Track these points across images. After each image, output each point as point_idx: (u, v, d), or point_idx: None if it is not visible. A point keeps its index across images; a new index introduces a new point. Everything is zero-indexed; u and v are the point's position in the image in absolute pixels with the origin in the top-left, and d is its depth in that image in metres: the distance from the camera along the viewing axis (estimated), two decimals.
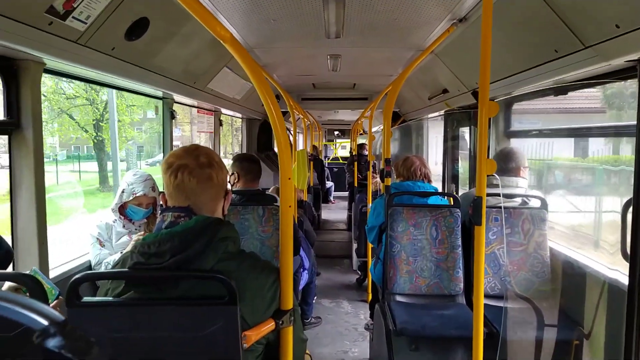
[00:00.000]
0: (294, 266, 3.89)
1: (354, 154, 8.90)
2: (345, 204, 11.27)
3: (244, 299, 1.34)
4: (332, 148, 15.87)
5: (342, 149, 16.51)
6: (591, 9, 1.80)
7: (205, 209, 1.43)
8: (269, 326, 1.41)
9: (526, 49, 2.43)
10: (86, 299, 1.32)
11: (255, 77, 1.46)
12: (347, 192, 10.72)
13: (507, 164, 2.99)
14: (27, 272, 1.58)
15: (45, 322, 0.48)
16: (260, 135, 7.00)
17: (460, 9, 2.55)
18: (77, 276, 1.31)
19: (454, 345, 2.77)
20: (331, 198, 12.40)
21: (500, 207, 2.81)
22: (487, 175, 1.91)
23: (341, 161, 14.46)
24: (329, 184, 12.46)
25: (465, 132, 4.62)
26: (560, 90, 2.58)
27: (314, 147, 10.55)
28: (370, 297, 4.72)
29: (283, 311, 1.46)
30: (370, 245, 4.79)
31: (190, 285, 1.33)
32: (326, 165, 12.86)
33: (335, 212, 10.77)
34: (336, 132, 16.09)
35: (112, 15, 2.08)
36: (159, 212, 2.74)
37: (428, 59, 3.65)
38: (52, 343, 0.47)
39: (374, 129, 10.10)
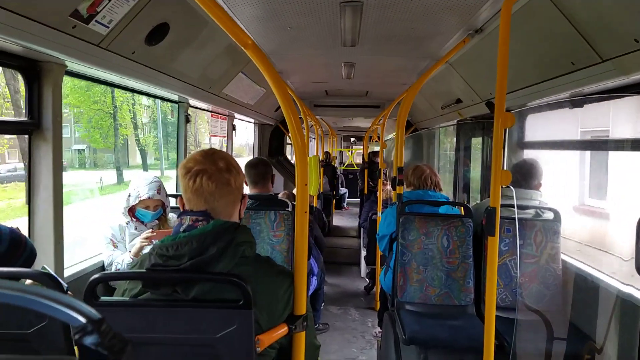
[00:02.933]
0: None
1: (366, 161, 8.91)
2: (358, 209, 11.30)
3: (259, 303, 1.35)
4: (347, 154, 15.84)
5: (357, 155, 16.49)
6: (610, 23, 1.80)
7: (223, 213, 1.44)
8: (282, 331, 1.42)
9: (543, 61, 2.43)
10: (103, 298, 1.35)
11: (274, 84, 1.48)
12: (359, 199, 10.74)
13: (524, 177, 2.98)
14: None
15: (83, 320, 0.49)
16: (271, 140, 7.04)
17: (476, 20, 2.56)
18: (95, 276, 1.33)
19: (464, 356, 2.76)
20: (344, 204, 12.40)
21: (513, 218, 2.80)
22: (502, 187, 1.91)
23: (356, 168, 14.48)
24: (343, 190, 12.47)
25: (478, 142, 4.61)
26: (576, 102, 2.57)
27: (327, 154, 10.56)
28: (378, 305, 4.71)
29: (296, 316, 1.47)
30: (379, 253, 4.79)
31: (207, 288, 1.34)
32: (340, 172, 12.88)
33: (348, 218, 10.75)
34: (352, 139, 16.06)
35: (133, 20, 2.12)
36: (169, 213, 2.77)
37: (442, 68, 3.66)
38: (90, 340, 0.49)
39: (386, 137, 10.12)
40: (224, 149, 5.30)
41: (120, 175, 18.92)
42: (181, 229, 1.39)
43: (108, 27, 2.05)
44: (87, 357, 0.48)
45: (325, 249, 4.98)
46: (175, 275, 1.32)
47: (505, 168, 3.45)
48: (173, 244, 1.34)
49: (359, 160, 15.88)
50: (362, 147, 15.53)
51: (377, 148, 11.63)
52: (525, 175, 2.97)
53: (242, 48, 1.44)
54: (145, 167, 21.30)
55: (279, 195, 3.96)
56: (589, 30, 1.93)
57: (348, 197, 12.79)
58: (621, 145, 2.52)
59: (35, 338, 1.29)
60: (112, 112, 19.15)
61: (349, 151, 15.86)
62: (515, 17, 2.02)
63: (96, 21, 1.97)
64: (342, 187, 12.37)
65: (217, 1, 2.32)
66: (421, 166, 3.34)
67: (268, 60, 1.51)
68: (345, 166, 14.62)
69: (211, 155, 1.47)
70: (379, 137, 8.73)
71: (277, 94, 1.48)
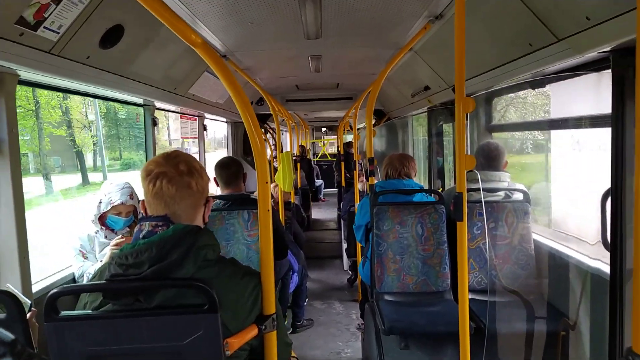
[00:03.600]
0: (283, 270, 3.92)
1: (341, 152, 8.89)
2: (335, 200, 11.28)
3: (225, 306, 1.33)
4: (320, 145, 15.76)
5: (330, 145, 16.45)
6: (561, 2, 1.81)
7: (184, 217, 1.42)
8: (252, 332, 1.40)
9: (501, 44, 2.45)
10: (64, 313, 1.31)
11: (227, 81, 1.45)
12: (337, 190, 10.71)
13: (489, 158, 3.01)
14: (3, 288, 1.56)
15: None
16: (245, 138, 6.97)
17: (435, 6, 2.56)
18: (53, 290, 1.29)
19: (444, 342, 2.79)
20: (321, 196, 12.36)
21: (482, 202, 2.83)
22: (468, 171, 1.92)
23: (329, 158, 14.47)
24: (319, 182, 12.44)
25: (449, 128, 4.64)
26: (537, 83, 2.60)
27: (302, 147, 10.50)
28: (360, 297, 4.73)
29: (265, 316, 1.45)
30: (359, 245, 4.80)
31: (171, 294, 1.31)
32: (315, 163, 12.84)
33: (326, 210, 10.72)
34: (324, 129, 15.97)
35: (85, 24, 2.05)
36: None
37: (408, 56, 3.67)
38: None
39: (359, 126, 10.11)
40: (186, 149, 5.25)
41: (49, 184, 16.29)
42: (140, 235, 1.36)
43: (58, 33, 1.98)
44: None
45: (305, 244, 4.98)
46: (136, 285, 1.29)
47: (472, 153, 3.50)
48: (132, 251, 1.31)
49: (331, 150, 15.90)
50: (334, 137, 15.57)
51: (350, 137, 11.66)
52: (491, 157, 3.00)
53: (192, 47, 1.40)
54: (83, 170, 18.61)
55: (255, 194, 3.93)
56: (542, 10, 1.94)
57: (324, 189, 12.76)
58: (583, 122, 2.56)
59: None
60: (34, 109, 16.13)
61: (321, 142, 15.79)
62: (471, 1, 2.02)
63: (45, 27, 1.90)
64: (317, 179, 12.34)
65: (167, 1, 2.29)
66: (391, 155, 3.35)
67: (220, 58, 1.48)
68: (319, 157, 14.56)
69: (173, 158, 1.44)
70: (351, 127, 8.76)
71: (230, 90, 1.46)
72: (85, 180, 18.02)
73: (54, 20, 1.92)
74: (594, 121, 2.31)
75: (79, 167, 18.87)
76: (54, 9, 1.87)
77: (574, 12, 1.76)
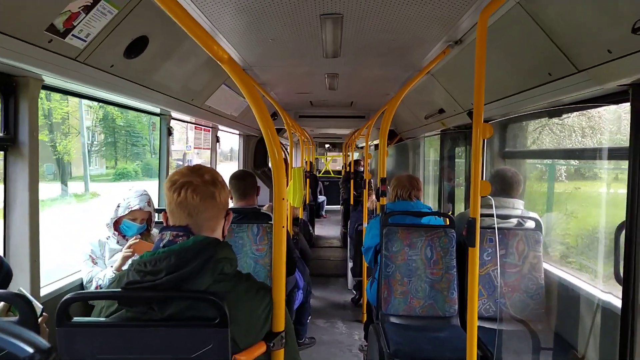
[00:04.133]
0: (289, 286, 3.90)
1: (349, 170, 8.87)
2: (338, 218, 11.21)
3: (237, 321, 1.33)
4: (323, 161, 15.73)
5: (333, 162, 16.44)
6: (584, 34, 1.83)
7: (205, 227, 1.43)
8: (260, 349, 1.39)
9: (521, 72, 2.46)
10: (76, 319, 1.31)
11: (250, 96, 1.47)
12: (340, 207, 10.63)
13: (505, 185, 3.00)
14: (15, 291, 1.56)
15: (30, 350, 0.47)
16: (256, 151, 7.01)
17: (456, 31, 2.59)
18: (67, 296, 1.30)
19: None
20: (323, 212, 12.28)
21: (494, 228, 2.81)
22: (482, 197, 1.92)
23: (332, 175, 14.44)
24: (321, 198, 12.37)
25: (461, 151, 4.64)
26: (554, 112, 2.60)
27: (310, 164, 10.47)
28: (365, 318, 4.68)
29: (275, 333, 1.45)
30: (365, 265, 4.77)
31: (184, 305, 1.31)
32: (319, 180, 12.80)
33: (328, 227, 10.60)
34: (327, 145, 15.93)
35: (111, 34, 2.10)
36: (153, 228, 2.73)
37: (425, 79, 3.69)
38: None
39: (364, 144, 10.08)
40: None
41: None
42: (161, 244, 1.38)
43: (85, 41, 2.02)
44: None
45: (310, 261, 4.96)
46: (149, 295, 1.30)
47: (487, 178, 3.49)
48: (152, 259, 1.32)
49: (335, 167, 15.87)
50: (338, 154, 15.54)
51: (356, 155, 11.63)
52: (507, 183, 2.99)
53: (219, 63, 1.43)
54: (63, 180, 16.69)
55: (264, 208, 3.94)
56: (564, 41, 1.95)
57: (326, 205, 12.69)
58: (600, 153, 2.55)
59: None
60: None
61: (324, 158, 15.76)
62: (493, 29, 2.04)
63: (73, 35, 1.95)
64: (320, 195, 12.28)
65: (194, 16, 2.33)
66: (399, 176, 3.35)
67: (245, 73, 1.50)
68: (322, 173, 14.51)
69: (198, 169, 1.47)
70: (357, 146, 8.74)
71: (252, 105, 1.47)
72: (64, 191, 16.12)
73: (83, 28, 1.96)
74: (612, 153, 2.30)
75: (69, 175, 17.32)
76: (84, 18, 1.91)
77: (596, 45, 1.77)
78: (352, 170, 8.05)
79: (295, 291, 4.11)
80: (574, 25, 1.87)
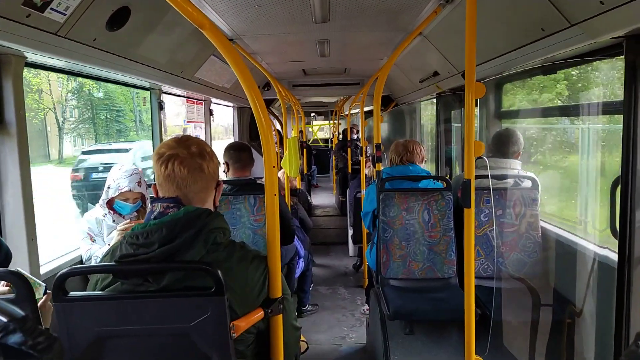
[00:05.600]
0: (289, 255, 3.93)
1: (345, 137, 8.79)
2: (330, 186, 11.20)
3: (233, 289, 1.34)
4: (310, 130, 15.58)
5: (320, 131, 16.35)
6: None
7: (195, 199, 1.43)
8: (258, 315, 1.41)
9: (513, 29, 2.41)
10: (73, 293, 1.32)
11: (235, 64, 1.44)
12: (330, 175, 10.54)
13: (504, 146, 2.98)
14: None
15: (4, 319, 0.47)
16: (251, 123, 6.96)
17: None
18: (62, 271, 1.31)
19: (448, 328, 2.80)
20: (315, 182, 12.25)
21: (490, 189, 2.81)
22: (477, 158, 1.90)
23: (321, 144, 14.37)
24: (312, 167, 12.35)
25: (457, 114, 4.60)
26: (549, 69, 2.56)
27: (301, 133, 10.33)
28: (366, 283, 4.74)
29: (272, 300, 1.46)
30: (365, 231, 4.80)
31: (179, 276, 1.32)
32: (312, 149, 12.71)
33: (322, 196, 10.53)
34: (312, 114, 15.75)
35: (91, 6, 2.04)
36: (148, 203, 2.73)
37: (417, 41, 3.62)
38: (13, 339, 0.46)
39: (353, 111, 9.99)
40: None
41: None
42: (152, 217, 1.38)
43: (65, 14, 1.97)
44: (11, 357, 0.46)
45: (310, 229, 4.99)
46: (144, 267, 1.30)
47: (484, 140, 3.47)
48: (143, 231, 1.33)
49: (321, 135, 15.80)
50: (325, 123, 15.44)
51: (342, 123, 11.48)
52: (503, 144, 2.97)
53: (200, 29, 1.39)
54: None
55: (263, 179, 3.93)
56: None
57: (317, 174, 12.65)
58: (595, 109, 2.53)
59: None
60: None
61: (311, 127, 15.62)
62: None
63: (51, 9, 1.89)
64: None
65: None
66: (396, 142, 3.33)
67: (227, 40, 1.46)
68: (311, 142, 14.42)
69: (185, 141, 1.45)
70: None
71: (237, 72, 1.44)
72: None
73: (61, 1, 1.90)
74: (606, 108, 2.28)
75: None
76: None
77: None
78: (348, 137, 7.98)
79: (297, 260, 4.15)
80: None
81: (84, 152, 12.53)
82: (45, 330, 0.48)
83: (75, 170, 11.13)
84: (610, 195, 2.00)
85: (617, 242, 1.95)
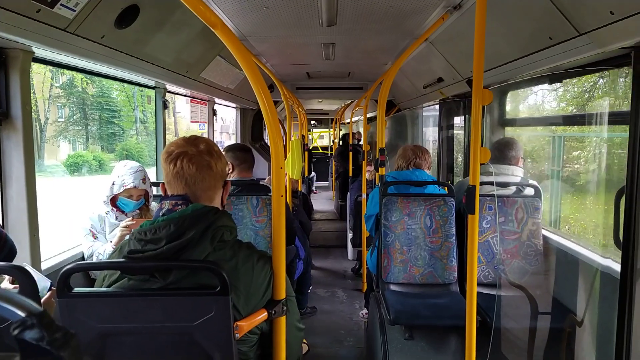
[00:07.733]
0: (289, 256, 3.93)
1: (347, 143, 8.82)
2: (328, 194, 11.18)
3: (237, 289, 1.34)
4: (310, 137, 15.68)
5: (320, 138, 16.45)
6: None
7: (203, 197, 1.44)
8: (262, 316, 1.41)
9: (521, 37, 2.41)
10: (77, 289, 1.32)
11: (245, 64, 1.44)
12: (329, 183, 10.52)
13: (505, 152, 2.98)
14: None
15: (22, 314, 0.47)
16: (254, 125, 6.96)
17: None
18: (67, 267, 1.31)
19: (448, 334, 2.79)
20: (313, 188, 12.22)
21: (493, 196, 2.81)
22: (481, 164, 1.90)
23: (320, 151, 14.40)
24: (312, 174, 12.34)
25: (460, 120, 4.61)
26: (555, 77, 2.57)
27: (303, 137, 10.35)
28: (365, 287, 4.73)
29: (275, 301, 1.46)
30: (365, 234, 4.80)
31: (185, 273, 1.33)
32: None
33: (320, 202, 10.55)
34: (312, 122, 15.86)
35: (101, 3, 2.04)
36: (152, 202, 2.73)
37: (423, 47, 3.63)
38: (30, 335, 0.46)
39: (355, 118, 10.01)
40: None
41: None
42: (161, 214, 1.39)
43: (74, 11, 1.97)
44: (28, 353, 0.46)
45: (310, 232, 4.99)
46: (149, 264, 1.30)
47: (486, 146, 3.47)
48: (151, 228, 1.34)
49: (321, 142, 15.87)
50: (326, 130, 15.52)
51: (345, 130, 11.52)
52: (504, 150, 2.97)
53: (211, 29, 1.39)
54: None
55: (265, 181, 3.93)
56: (564, 4, 1.91)
57: (315, 181, 12.62)
58: (600, 119, 2.53)
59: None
60: None
61: (312, 134, 15.71)
62: None
63: (61, 4, 1.89)
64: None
65: None
66: (405, 146, 3.33)
67: (238, 40, 1.46)
68: (311, 149, 14.48)
69: (193, 140, 1.47)
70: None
71: (247, 73, 1.45)
72: None
73: None
74: (612, 118, 2.28)
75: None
76: None
77: (598, 6, 1.73)
78: (349, 142, 8.00)
79: (297, 261, 4.14)
80: None
81: None
82: (62, 327, 0.47)
83: None
84: (614, 205, 1.99)
85: (619, 252, 1.95)
